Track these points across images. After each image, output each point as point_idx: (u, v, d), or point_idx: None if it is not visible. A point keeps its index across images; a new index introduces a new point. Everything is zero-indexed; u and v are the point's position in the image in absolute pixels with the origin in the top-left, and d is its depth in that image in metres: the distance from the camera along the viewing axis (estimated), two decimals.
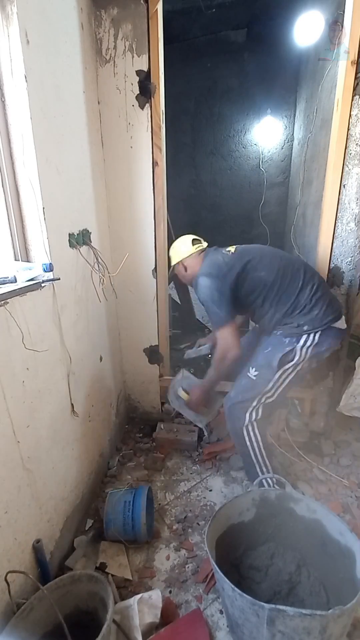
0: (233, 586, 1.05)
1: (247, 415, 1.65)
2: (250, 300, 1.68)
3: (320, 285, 1.63)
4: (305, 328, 1.57)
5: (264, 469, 1.71)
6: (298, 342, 1.58)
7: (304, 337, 1.57)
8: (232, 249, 1.74)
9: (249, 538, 1.43)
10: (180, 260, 1.84)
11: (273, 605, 0.98)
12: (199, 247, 1.84)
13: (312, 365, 1.66)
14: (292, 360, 1.59)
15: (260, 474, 1.70)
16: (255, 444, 1.68)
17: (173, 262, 1.88)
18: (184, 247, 1.84)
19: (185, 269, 1.84)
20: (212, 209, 4.00)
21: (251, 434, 1.67)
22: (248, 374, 1.66)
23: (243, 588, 1.06)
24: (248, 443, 1.68)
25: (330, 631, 1.01)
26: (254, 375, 1.64)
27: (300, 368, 1.61)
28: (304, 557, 1.39)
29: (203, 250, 1.84)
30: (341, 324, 1.63)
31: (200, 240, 1.87)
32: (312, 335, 1.57)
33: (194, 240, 1.85)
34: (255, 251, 1.72)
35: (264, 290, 1.63)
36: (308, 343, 1.57)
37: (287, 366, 1.59)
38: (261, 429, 1.69)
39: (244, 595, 1.03)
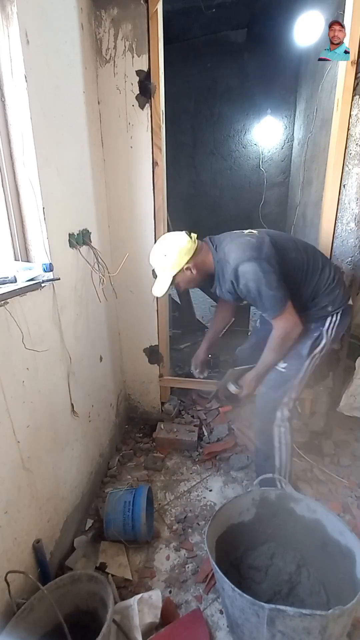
0: (233, 586, 1.05)
1: (279, 412, 1.58)
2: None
3: (334, 265, 1.64)
4: (329, 309, 1.53)
5: (284, 475, 1.63)
6: (323, 325, 1.53)
7: (329, 319, 1.53)
8: (254, 230, 1.55)
9: (249, 538, 1.43)
10: (188, 264, 1.51)
11: (273, 606, 0.98)
12: (195, 239, 1.56)
13: (333, 346, 1.60)
14: (320, 344, 1.54)
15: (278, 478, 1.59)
16: (283, 447, 1.61)
17: (176, 270, 1.51)
18: (186, 245, 1.50)
19: (194, 270, 1.53)
20: (212, 209, 4.00)
21: (282, 435, 1.60)
22: (277, 367, 1.59)
23: (243, 588, 1.06)
24: (276, 444, 1.60)
25: (330, 631, 1.01)
26: (283, 368, 1.57)
27: (325, 351, 1.57)
28: (304, 557, 1.39)
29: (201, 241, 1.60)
30: (351, 300, 1.61)
31: (188, 233, 1.56)
32: (335, 316, 1.54)
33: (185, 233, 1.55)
34: (276, 234, 1.57)
35: (298, 273, 1.51)
36: (332, 324, 1.53)
37: (315, 352, 1.55)
38: (292, 431, 1.62)
39: (244, 595, 1.03)
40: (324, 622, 0.98)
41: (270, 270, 1.40)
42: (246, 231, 1.56)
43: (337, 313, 1.53)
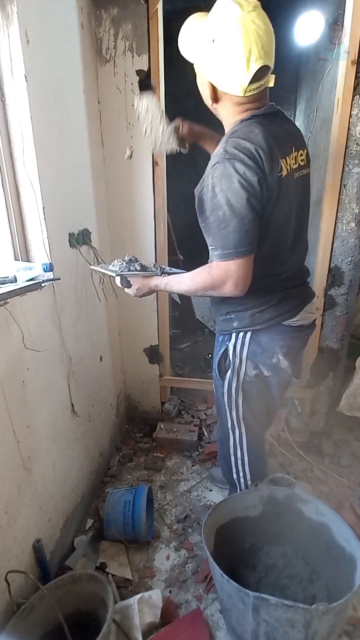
0: (222, 573, 1.07)
1: (232, 458, 1.37)
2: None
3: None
4: (236, 324, 1.22)
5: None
6: (229, 340, 1.22)
7: (234, 334, 1.23)
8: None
9: (253, 534, 1.42)
10: (212, 82, 1.08)
11: (257, 594, 1.00)
12: (259, 87, 1.06)
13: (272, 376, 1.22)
14: (230, 366, 1.22)
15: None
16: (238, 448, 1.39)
17: (209, 75, 1.06)
18: (234, 66, 1.00)
19: (215, 98, 1.11)
20: None
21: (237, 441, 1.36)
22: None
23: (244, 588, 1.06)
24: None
25: (315, 628, 1.00)
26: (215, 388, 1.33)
27: (247, 379, 1.23)
28: (307, 559, 1.38)
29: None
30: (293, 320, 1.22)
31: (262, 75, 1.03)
32: (242, 334, 1.20)
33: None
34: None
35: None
36: (239, 344, 1.21)
37: (227, 375, 1.24)
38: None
39: (231, 581, 1.05)
40: (307, 616, 0.98)
41: (252, 200, 1.00)
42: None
43: (244, 331, 1.18)
